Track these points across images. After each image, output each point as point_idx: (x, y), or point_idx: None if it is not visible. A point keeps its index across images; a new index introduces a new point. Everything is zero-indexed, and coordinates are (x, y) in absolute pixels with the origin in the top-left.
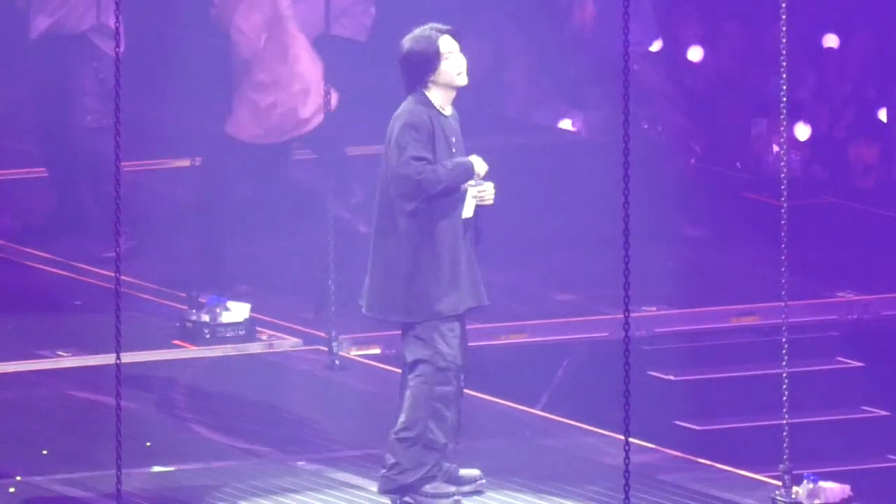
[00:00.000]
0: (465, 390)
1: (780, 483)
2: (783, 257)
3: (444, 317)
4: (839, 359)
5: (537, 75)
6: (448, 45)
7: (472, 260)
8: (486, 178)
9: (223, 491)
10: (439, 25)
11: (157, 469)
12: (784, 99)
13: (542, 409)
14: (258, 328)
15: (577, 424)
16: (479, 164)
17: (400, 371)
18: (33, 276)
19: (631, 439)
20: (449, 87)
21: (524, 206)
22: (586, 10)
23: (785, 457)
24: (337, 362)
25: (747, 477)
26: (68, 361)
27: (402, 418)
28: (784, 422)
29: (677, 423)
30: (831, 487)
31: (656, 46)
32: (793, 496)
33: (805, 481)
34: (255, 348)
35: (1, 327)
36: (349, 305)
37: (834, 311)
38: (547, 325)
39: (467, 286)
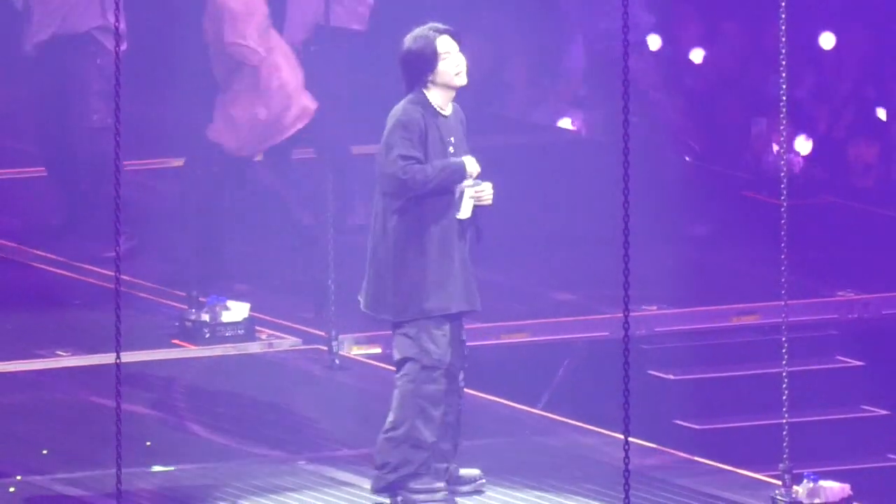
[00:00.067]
0: (466, 390)
1: (780, 482)
2: (783, 256)
3: (433, 316)
4: (839, 358)
5: (537, 75)
6: (446, 45)
7: (467, 263)
8: (485, 177)
9: (223, 491)
10: (438, 25)
11: (157, 469)
12: (784, 98)
13: (543, 409)
14: (258, 328)
15: (578, 424)
16: (472, 165)
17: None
18: (33, 275)
19: (631, 439)
20: (447, 86)
21: (524, 206)
22: None
23: (785, 456)
24: (337, 361)
25: (747, 476)
26: (68, 361)
27: (390, 418)
28: (784, 421)
29: (677, 422)
30: (831, 487)
31: (655, 45)
32: (793, 495)
33: (805, 480)
34: (254, 348)
35: (0, 327)
36: (349, 305)
37: (834, 311)
38: (547, 324)
39: (459, 288)
